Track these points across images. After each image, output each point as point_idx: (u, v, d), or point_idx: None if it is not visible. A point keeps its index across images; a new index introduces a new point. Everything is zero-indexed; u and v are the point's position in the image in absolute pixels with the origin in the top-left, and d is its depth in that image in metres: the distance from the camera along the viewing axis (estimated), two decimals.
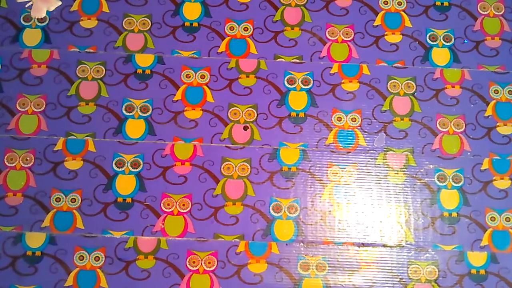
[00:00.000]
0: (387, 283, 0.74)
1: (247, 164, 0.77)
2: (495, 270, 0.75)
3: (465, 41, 0.83)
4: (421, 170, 0.78)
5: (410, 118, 0.80)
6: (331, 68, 0.81)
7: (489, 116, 0.80)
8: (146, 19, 0.82)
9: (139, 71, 0.80)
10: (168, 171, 0.77)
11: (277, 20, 0.83)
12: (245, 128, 0.79)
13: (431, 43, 0.83)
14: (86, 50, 0.81)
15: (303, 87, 0.80)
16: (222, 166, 0.77)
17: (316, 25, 0.83)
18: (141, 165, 0.77)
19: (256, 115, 0.79)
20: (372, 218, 0.77)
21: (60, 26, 0.82)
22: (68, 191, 0.76)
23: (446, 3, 0.84)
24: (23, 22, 0.82)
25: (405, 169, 0.78)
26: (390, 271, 0.75)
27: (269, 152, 0.78)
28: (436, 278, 0.75)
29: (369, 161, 0.78)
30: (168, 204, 0.76)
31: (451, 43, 0.83)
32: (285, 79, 0.81)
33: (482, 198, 0.78)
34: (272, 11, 0.83)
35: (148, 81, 0.80)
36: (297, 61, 0.81)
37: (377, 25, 0.83)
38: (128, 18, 0.82)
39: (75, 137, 0.78)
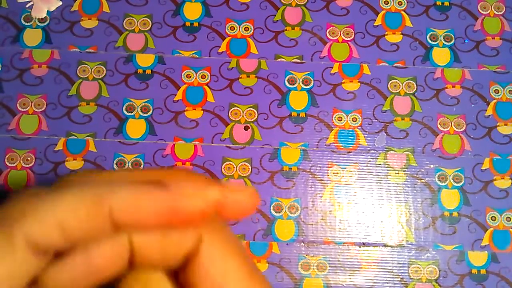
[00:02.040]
0: (388, 283, 0.74)
1: (248, 164, 0.77)
2: (495, 270, 0.75)
3: (466, 41, 0.83)
4: (422, 170, 0.78)
5: (410, 118, 0.80)
6: (332, 68, 0.81)
7: (489, 116, 0.80)
8: (147, 19, 0.82)
9: (140, 71, 0.80)
10: None
11: (277, 20, 0.83)
12: (246, 128, 0.79)
13: (432, 43, 0.83)
14: (87, 50, 0.81)
15: (304, 87, 0.80)
16: (222, 166, 0.77)
17: (316, 25, 0.83)
18: (142, 165, 0.77)
19: (256, 115, 0.79)
20: (373, 218, 0.77)
21: (60, 26, 0.82)
22: None
23: (446, 3, 0.84)
24: (23, 22, 0.82)
25: (405, 169, 0.78)
26: (391, 270, 0.75)
27: (270, 152, 0.78)
28: (437, 277, 0.75)
29: (370, 161, 0.78)
30: None
31: (451, 43, 0.83)
32: (286, 79, 0.80)
33: (483, 198, 0.78)
34: (273, 11, 0.83)
35: (149, 81, 0.80)
36: (298, 61, 0.81)
37: (378, 25, 0.83)
38: (128, 18, 0.82)
39: (75, 137, 0.78)
